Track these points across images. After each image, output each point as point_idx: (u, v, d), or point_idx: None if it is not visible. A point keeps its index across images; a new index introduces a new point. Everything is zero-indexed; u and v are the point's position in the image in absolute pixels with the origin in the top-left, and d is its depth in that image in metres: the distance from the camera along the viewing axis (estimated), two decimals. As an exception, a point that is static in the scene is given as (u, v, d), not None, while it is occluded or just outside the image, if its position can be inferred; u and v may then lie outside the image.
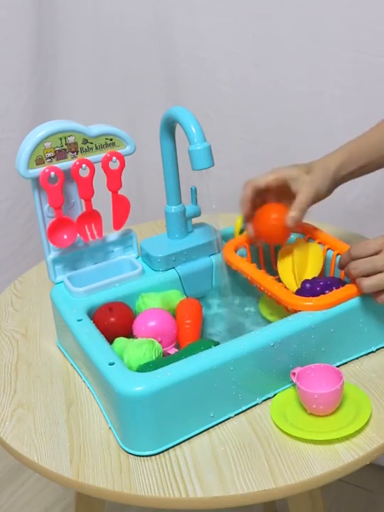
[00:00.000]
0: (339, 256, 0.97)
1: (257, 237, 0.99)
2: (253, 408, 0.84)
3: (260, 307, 1.02)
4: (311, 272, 0.98)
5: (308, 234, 1.04)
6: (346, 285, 0.90)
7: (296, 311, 0.87)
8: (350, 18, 1.30)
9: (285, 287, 0.92)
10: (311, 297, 0.88)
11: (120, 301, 0.95)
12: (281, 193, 0.97)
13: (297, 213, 0.94)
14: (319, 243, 1.01)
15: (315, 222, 1.05)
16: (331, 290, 0.90)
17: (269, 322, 0.97)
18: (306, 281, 0.94)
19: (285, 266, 0.98)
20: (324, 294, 0.89)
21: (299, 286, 0.94)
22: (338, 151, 1.00)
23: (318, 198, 0.96)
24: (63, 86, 1.65)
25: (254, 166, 1.53)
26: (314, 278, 0.95)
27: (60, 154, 0.95)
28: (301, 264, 0.97)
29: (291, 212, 0.94)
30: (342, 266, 0.90)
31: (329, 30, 1.33)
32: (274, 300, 0.93)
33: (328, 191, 0.97)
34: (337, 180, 0.98)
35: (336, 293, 0.88)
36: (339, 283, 0.93)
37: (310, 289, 0.92)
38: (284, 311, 0.93)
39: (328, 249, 1.00)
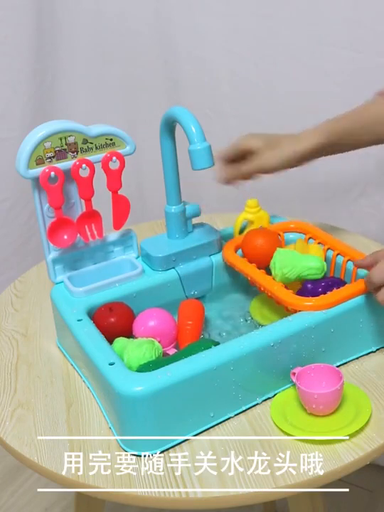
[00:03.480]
0: (339, 256, 0.97)
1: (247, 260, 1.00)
2: (253, 408, 0.84)
3: (251, 310, 1.01)
4: None
5: (309, 234, 1.04)
6: (346, 285, 0.90)
7: (296, 311, 0.87)
8: (350, 18, 1.30)
9: (285, 287, 0.92)
10: (311, 297, 0.88)
11: (120, 302, 0.95)
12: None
13: (223, 180, 1.00)
14: (319, 243, 1.01)
15: (315, 223, 1.05)
16: (332, 290, 0.90)
17: (261, 325, 0.97)
18: (307, 281, 0.93)
19: None
20: (325, 294, 0.89)
21: (301, 287, 0.94)
22: (321, 129, 1.00)
23: (265, 172, 1.00)
24: (63, 86, 1.65)
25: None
26: (316, 279, 0.95)
27: (60, 154, 0.95)
28: None
29: (224, 176, 1.00)
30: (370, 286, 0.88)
31: (329, 30, 1.33)
32: (274, 300, 0.93)
33: (283, 169, 1.00)
34: (306, 159, 1.00)
35: (336, 293, 0.88)
36: (340, 283, 0.93)
37: (312, 289, 0.92)
38: (276, 314, 0.93)
39: (328, 249, 1.00)
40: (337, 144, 1.01)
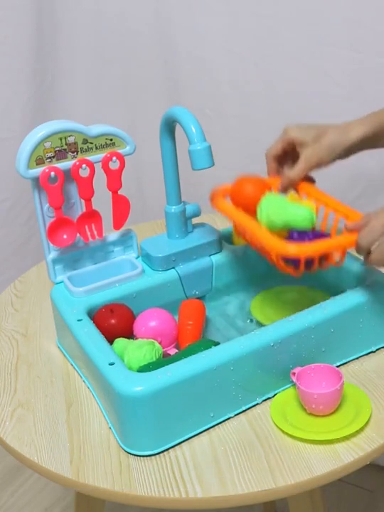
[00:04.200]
0: (333, 213, 0.93)
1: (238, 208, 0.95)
2: (253, 408, 0.84)
3: (252, 309, 1.01)
4: None
5: (303, 191, 0.98)
6: (336, 236, 0.87)
7: (282, 263, 0.84)
8: (350, 18, 1.30)
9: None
10: (297, 243, 0.84)
11: (121, 303, 0.95)
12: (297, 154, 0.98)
13: (287, 183, 0.95)
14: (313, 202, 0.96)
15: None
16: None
17: (261, 323, 0.96)
18: (293, 231, 0.88)
19: None
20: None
21: (287, 235, 0.90)
22: (367, 120, 0.98)
23: (319, 166, 0.96)
24: (63, 86, 1.65)
25: (254, 166, 1.53)
26: (304, 229, 0.89)
27: (60, 154, 0.95)
28: None
29: (283, 180, 0.95)
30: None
31: (329, 30, 1.33)
32: (259, 249, 0.90)
33: (333, 161, 0.96)
34: (351, 152, 0.97)
35: (324, 242, 0.84)
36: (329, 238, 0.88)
37: (297, 239, 0.87)
38: (278, 312, 0.92)
39: (321, 205, 0.95)
40: (382, 136, 0.98)
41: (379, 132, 0.97)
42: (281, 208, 0.88)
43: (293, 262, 0.85)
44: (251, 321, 1.01)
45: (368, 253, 0.83)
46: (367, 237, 0.82)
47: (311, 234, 0.88)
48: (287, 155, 0.99)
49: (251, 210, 0.92)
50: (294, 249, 0.82)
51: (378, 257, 0.82)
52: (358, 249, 0.84)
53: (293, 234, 0.88)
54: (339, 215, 0.91)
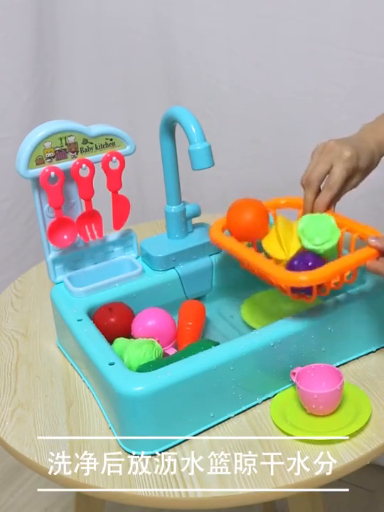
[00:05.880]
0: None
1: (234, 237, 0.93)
2: (253, 408, 0.84)
3: (243, 315, 1.00)
4: (296, 246, 0.88)
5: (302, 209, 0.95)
6: (342, 257, 0.85)
7: (292, 293, 0.83)
8: (350, 18, 1.30)
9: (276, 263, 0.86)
10: (304, 271, 0.81)
11: (120, 302, 0.95)
12: None
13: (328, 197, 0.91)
14: None
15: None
16: (321, 266, 0.83)
17: (252, 329, 0.96)
18: (293, 258, 0.86)
19: (271, 240, 0.90)
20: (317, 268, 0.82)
21: (288, 259, 0.87)
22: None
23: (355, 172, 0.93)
24: (63, 86, 1.65)
25: (253, 166, 1.53)
26: (300, 254, 0.86)
27: (60, 154, 0.95)
28: (286, 238, 0.89)
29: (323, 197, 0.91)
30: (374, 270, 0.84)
31: (329, 30, 1.33)
32: (266, 280, 0.87)
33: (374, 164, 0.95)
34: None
35: (331, 265, 0.82)
36: (319, 258, 0.85)
37: (299, 266, 0.84)
38: (268, 316, 0.92)
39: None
40: None
41: None
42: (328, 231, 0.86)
43: (304, 289, 0.84)
44: (232, 317, 1.01)
45: None
46: None
47: (310, 256, 0.85)
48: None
49: (251, 236, 0.92)
50: (306, 278, 0.80)
51: None
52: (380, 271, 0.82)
53: (293, 261, 0.86)
54: (356, 234, 0.88)
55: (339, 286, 0.85)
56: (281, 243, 0.88)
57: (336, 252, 0.87)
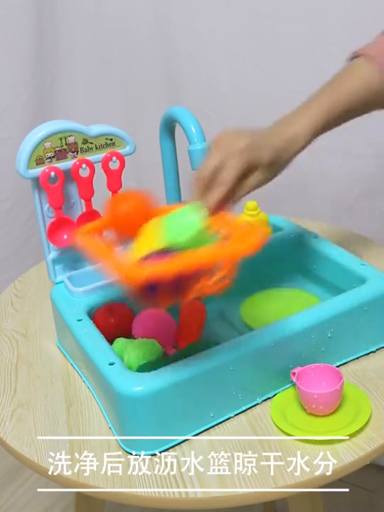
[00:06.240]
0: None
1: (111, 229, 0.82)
2: (253, 408, 0.84)
3: (242, 313, 1.00)
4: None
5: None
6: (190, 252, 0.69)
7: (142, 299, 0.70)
8: (350, 18, 1.30)
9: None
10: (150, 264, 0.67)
11: (120, 302, 0.95)
12: None
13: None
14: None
15: (315, 223, 1.05)
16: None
17: (251, 329, 0.96)
18: (147, 256, 0.71)
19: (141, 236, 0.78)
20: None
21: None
22: (314, 117, 0.87)
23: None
24: (63, 86, 1.65)
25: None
26: (157, 252, 0.71)
27: (60, 154, 0.95)
28: (151, 234, 0.76)
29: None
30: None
31: (329, 30, 1.33)
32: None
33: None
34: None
35: (182, 257, 0.67)
36: None
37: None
38: (268, 315, 0.91)
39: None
40: (332, 125, 0.90)
41: (331, 123, 0.88)
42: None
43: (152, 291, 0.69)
44: (231, 316, 1.01)
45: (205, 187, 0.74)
46: (205, 168, 0.74)
47: (167, 255, 0.70)
48: None
49: (127, 231, 0.79)
50: (152, 271, 0.65)
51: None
52: (196, 183, 0.75)
53: (146, 259, 0.71)
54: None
55: (209, 290, 0.70)
56: (144, 239, 0.76)
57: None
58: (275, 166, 0.82)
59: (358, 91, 0.91)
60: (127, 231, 0.79)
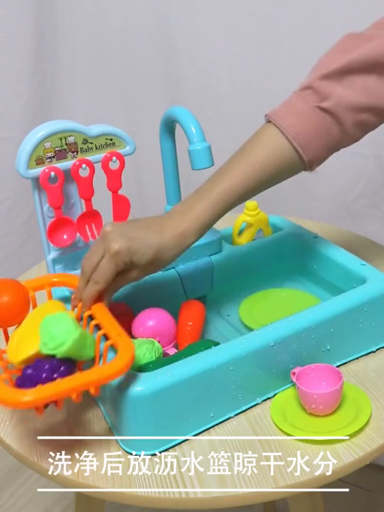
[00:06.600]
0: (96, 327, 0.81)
1: None
2: (253, 408, 0.84)
3: (240, 314, 1.00)
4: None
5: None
6: (82, 372, 0.75)
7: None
8: (350, 18, 1.30)
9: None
10: (29, 389, 0.70)
11: (120, 302, 0.95)
12: None
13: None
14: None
15: (315, 223, 1.05)
16: (62, 375, 0.73)
17: (250, 329, 0.96)
18: (27, 366, 0.74)
19: (19, 331, 0.82)
20: (53, 380, 0.72)
21: (20, 362, 0.77)
22: (207, 203, 0.85)
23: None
24: (63, 86, 1.65)
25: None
26: (38, 361, 0.74)
27: (60, 154, 0.95)
28: (30, 334, 0.79)
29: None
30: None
31: (329, 30, 1.33)
32: None
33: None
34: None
35: (63, 383, 0.71)
36: (70, 366, 0.75)
37: (33, 375, 0.72)
38: (267, 315, 0.91)
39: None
40: (243, 199, 0.88)
41: (230, 206, 0.86)
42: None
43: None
44: (228, 315, 1.01)
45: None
46: (87, 259, 0.79)
47: (47, 363, 0.73)
48: None
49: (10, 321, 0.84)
50: (30, 398, 0.68)
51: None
52: (81, 276, 0.80)
53: (27, 370, 0.73)
54: (109, 341, 0.77)
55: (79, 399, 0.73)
56: (24, 339, 0.79)
57: (88, 351, 0.77)
58: (154, 266, 0.84)
59: (269, 162, 0.88)
60: (5, 322, 0.84)
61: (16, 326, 0.84)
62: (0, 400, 0.69)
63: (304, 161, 0.89)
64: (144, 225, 0.83)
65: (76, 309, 0.84)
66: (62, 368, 0.74)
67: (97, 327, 0.80)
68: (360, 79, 0.86)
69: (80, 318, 0.83)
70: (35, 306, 0.87)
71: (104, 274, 0.80)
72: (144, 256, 0.81)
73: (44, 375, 0.72)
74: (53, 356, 0.74)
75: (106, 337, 0.78)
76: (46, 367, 0.73)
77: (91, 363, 0.78)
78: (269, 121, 0.92)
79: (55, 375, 0.72)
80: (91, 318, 0.82)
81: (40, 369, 0.73)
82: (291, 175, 0.91)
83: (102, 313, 0.81)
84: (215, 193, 0.85)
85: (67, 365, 0.74)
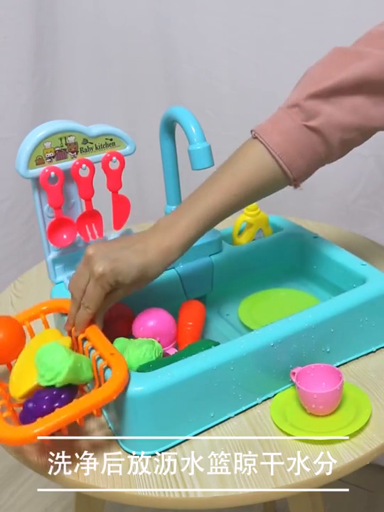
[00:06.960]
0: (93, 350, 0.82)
1: None
2: (253, 408, 0.84)
3: (240, 314, 1.00)
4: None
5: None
6: (80, 398, 0.74)
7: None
8: (350, 18, 1.30)
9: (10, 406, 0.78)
10: (33, 422, 0.71)
11: (120, 302, 0.94)
12: None
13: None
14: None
15: (315, 223, 1.05)
16: (63, 403, 0.74)
17: (249, 329, 0.96)
18: (28, 400, 0.75)
19: (19, 365, 0.83)
20: (53, 410, 0.73)
21: (21, 396, 0.78)
22: (190, 218, 0.85)
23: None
24: (63, 86, 1.65)
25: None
26: (38, 391, 0.76)
27: (60, 154, 0.95)
28: (28, 367, 0.80)
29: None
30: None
31: (329, 30, 1.33)
32: None
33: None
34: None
35: (65, 410, 0.72)
36: (70, 391, 0.76)
37: (33, 409, 0.74)
38: (267, 315, 0.91)
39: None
40: (227, 213, 0.88)
41: (212, 223, 0.86)
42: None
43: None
44: (227, 315, 1.01)
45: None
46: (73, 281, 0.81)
47: (47, 395, 0.75)
48: None
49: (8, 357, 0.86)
50: (39, 431, 0.70)
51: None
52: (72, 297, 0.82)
53: (28, 403, 0.75)
54: (104, 363, 0.78)
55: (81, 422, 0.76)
56: (23, 373, 0.81)
57: (86, 374, 0.78)
58: (140, 283, 0.84)
59: (254, 179, 0.88)
60: (3, 358, 0.85)
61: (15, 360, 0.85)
62: (8, 440, 0.71)
63: (290, 179, 0.90)
64: (127, 244, 0.82)
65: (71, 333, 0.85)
66: (63, 396, 0.75)
67: (93, 348, 0.82)
68: (349, 99, 0.86)
69: (75, 342, 0.84)
70: (32, 335, 0.88)
71: (93, 299, 0.80)
72: (129, 276, 0.81)
73: (44, 407, 0.74)
74: (53, 386, 0.75)
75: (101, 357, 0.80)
76: (46, 398, 0.74)
77: (93, 382, 0.80)
78: (255, 137, 0.91)
79: (55, 405, 0.74)
80: (85, 339, 0.83)
81: (41, 401, 0.74)
82: (275, 191, 0.92)
83: (94, 334, 0.82)
84: (200, 209, 0.85)
85: (68, 391, 0.76)
